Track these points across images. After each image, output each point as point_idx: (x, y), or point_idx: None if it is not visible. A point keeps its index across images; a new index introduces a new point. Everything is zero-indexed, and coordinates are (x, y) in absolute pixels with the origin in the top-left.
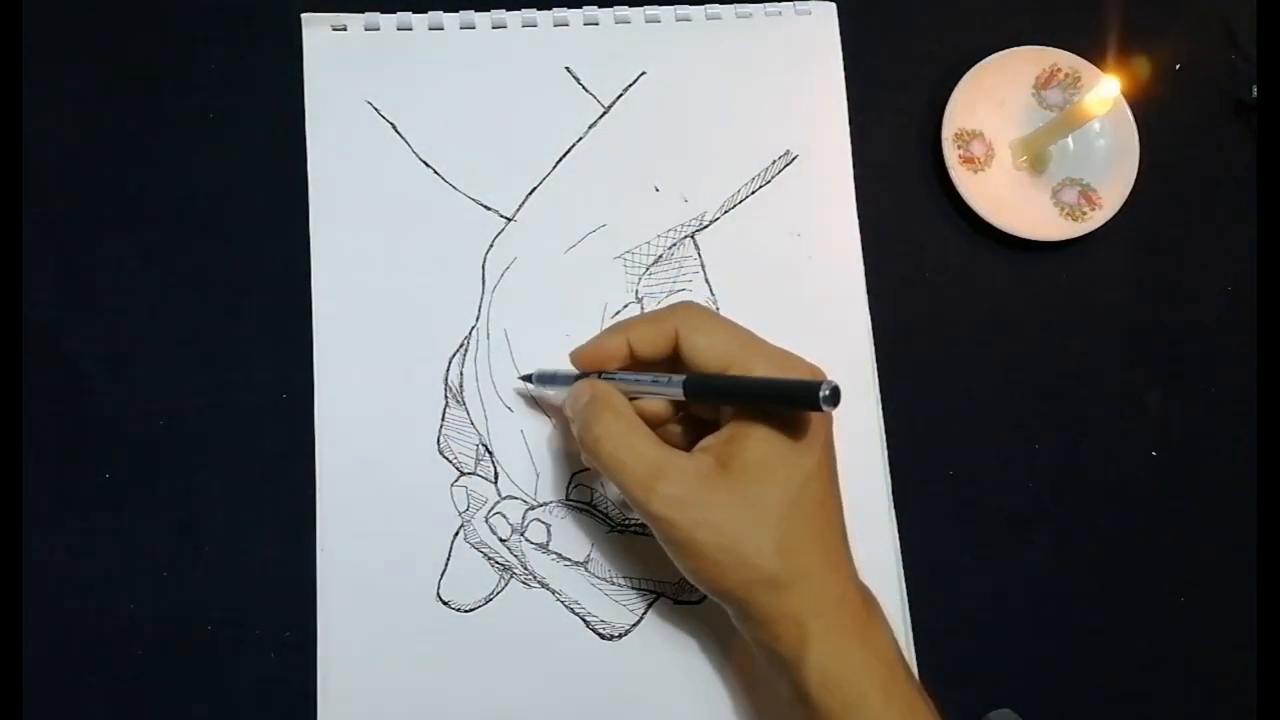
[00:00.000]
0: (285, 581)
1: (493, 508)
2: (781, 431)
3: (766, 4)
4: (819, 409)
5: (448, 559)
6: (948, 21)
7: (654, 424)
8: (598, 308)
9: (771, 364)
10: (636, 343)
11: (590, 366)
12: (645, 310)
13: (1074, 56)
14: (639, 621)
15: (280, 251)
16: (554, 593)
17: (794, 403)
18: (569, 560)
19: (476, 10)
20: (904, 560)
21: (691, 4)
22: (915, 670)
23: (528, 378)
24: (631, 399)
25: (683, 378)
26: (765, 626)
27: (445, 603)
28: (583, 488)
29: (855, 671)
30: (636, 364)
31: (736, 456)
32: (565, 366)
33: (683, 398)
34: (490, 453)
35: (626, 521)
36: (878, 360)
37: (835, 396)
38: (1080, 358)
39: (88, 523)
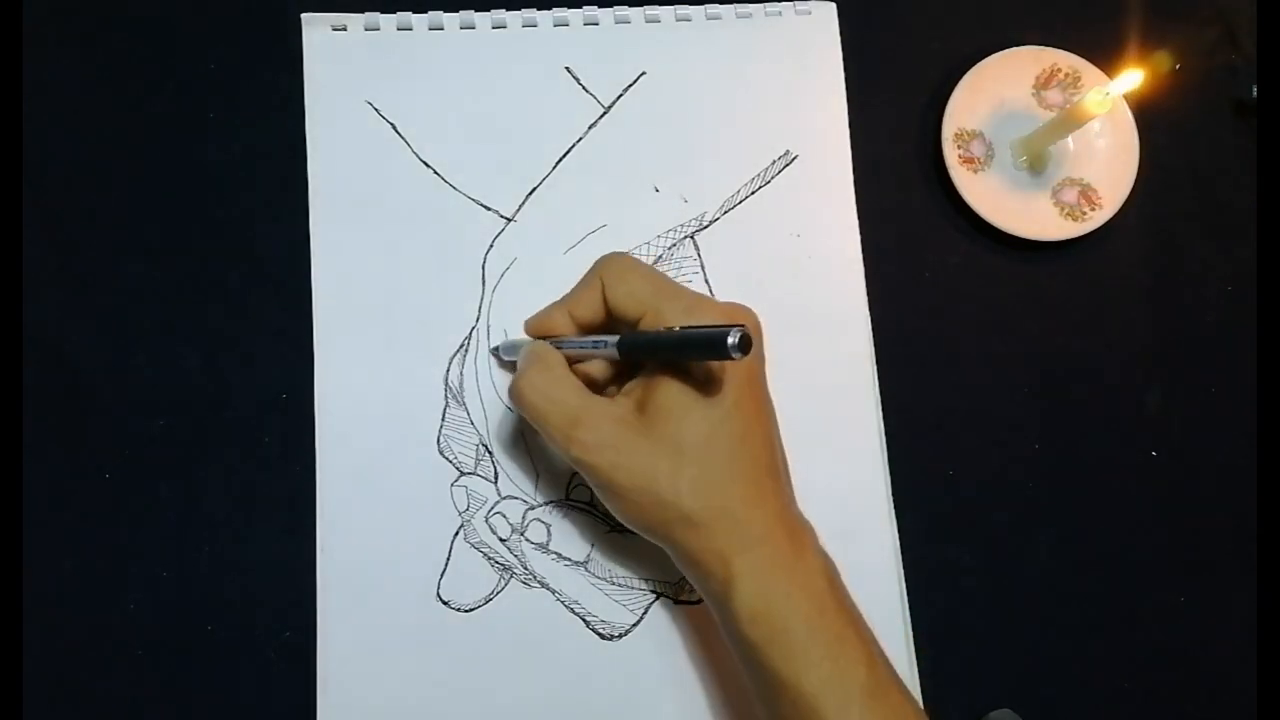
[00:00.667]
0: (285, 581)
1: (493, 508)
2: (695, 374)
3: (766, 4)
4: (729, 357)
5: (448, 559)
6: (948, 21)
7: (601, 386)
8: None
9: (682, 307)
10: (574, 307)
11: (539, 335)
12: None
13: (1074, 56)
14: (639, 621)
15: (280, 251)
16: (554, 593)
17: (708, 352)
18: (569, 560)
19: (476, 10)
20: (904, 560)
21: (691, 4)
22: (914, 664)
23: (495, 350)
24: (577, 363)
25: (616, 338)
26: (692, 565)
27: (445, 603)
28: (582, 488)
29: (780, 605)
30: (583, 329)
31: (652, 400)
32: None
33: (618, 357)
34: (490, 453)
35: None
36: (878, 360)
37: (745, 344)
38: (1080, 358)
39: (88, 523)
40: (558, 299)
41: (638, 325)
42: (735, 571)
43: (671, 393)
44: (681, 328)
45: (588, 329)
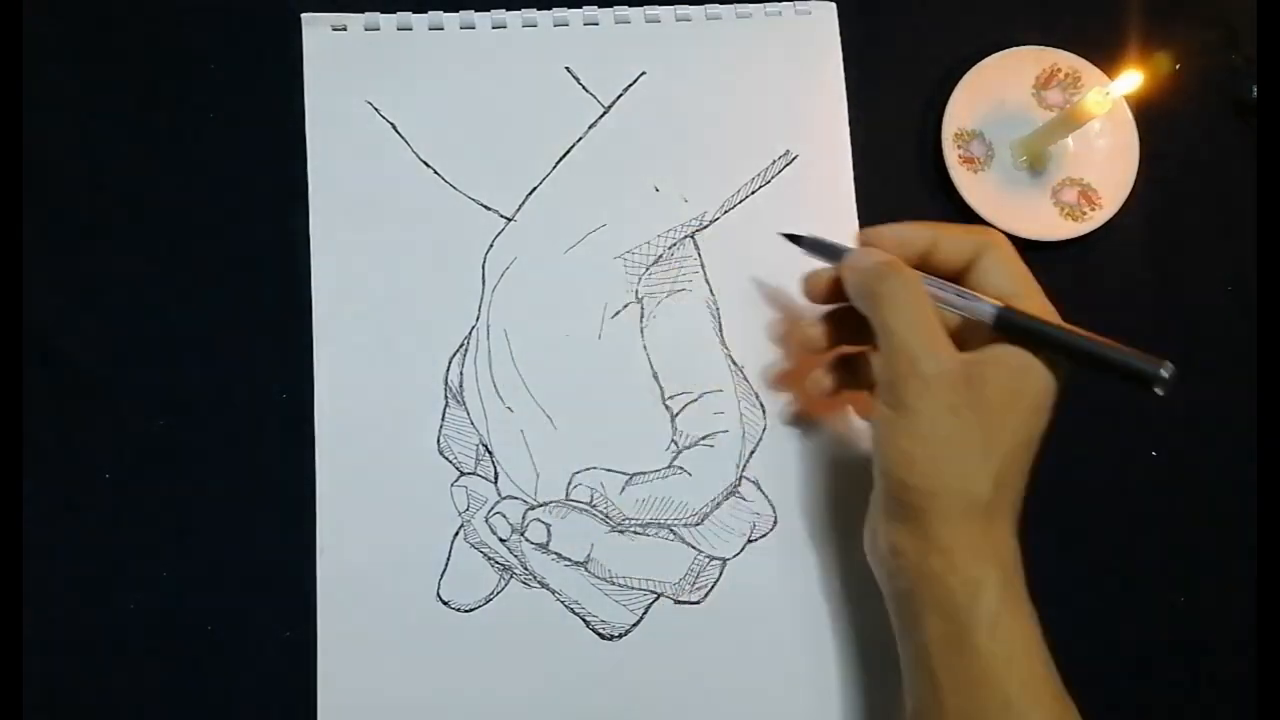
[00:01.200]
0: (285, 581)
1: (493, 508)
2: (1031, 374)
3: (766, 4)
4: (1151, 390)
5: (448, 559)
6: (948, 21)
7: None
8: (598, 308)
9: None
10: (944, 244)
11: (885, 244)
12: (645, 310)
13: (1074, 56)
14: (639, 621)
15: (280, 252)
16: (554, 593)
17: (1128, 375)
18: (569, 560)
19: (476, 10)
20: None
21: (691, 4)
22: None
23: (796, 238)
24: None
25: (997, 305)
26: (944, 553)
27: (445, 603)
28: (582, 488)
29: (1024, 630)
30: (927, 266)
31: (990, 380)
32: (570, 367)
33: (990, 323)
34: (490, 453)
35: (627, 521)
36: None
37: (1172, 381)
38: None
39: (88, 523)
40: (925, 224)
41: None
42: (988, 578)
43: (1013, 382)
44: (1092, 341)
45: (931, 269)
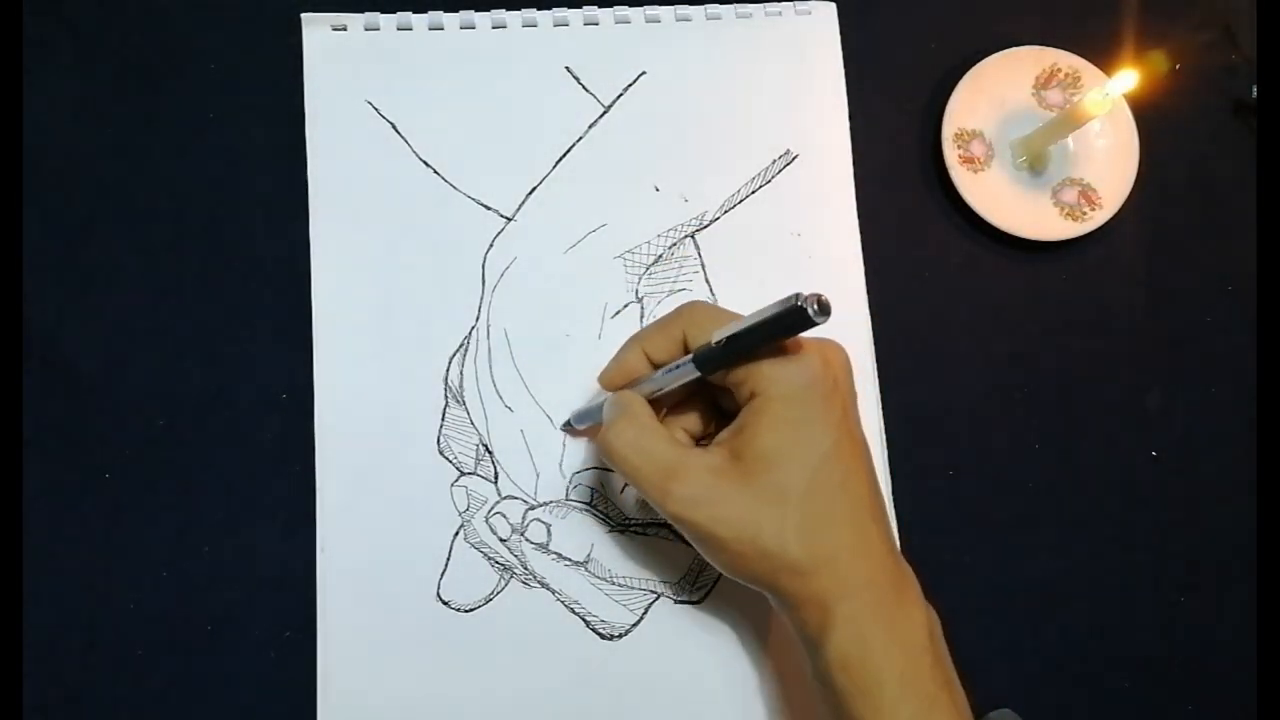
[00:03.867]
0: (285, 581)
1: (493, 508)
2: (791, 417)
3: (766, 4)
4: (814, 323)
5: (448, 559)
6: (948, 21)
7: (693, 438)
8: (598, 307)
9: (774, 351)
10: (651, 350)
11: (616, 384)
12: (646, 309)
13: (1074, 56)
14: (639, 621)
15: (280, 251)
16: (554, 593)
17: (788, 327)
18: (569, 560)
19: (476, 10)
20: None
21: (691, 4)
22: None
23: (567, 425)
24: (656, 399)
25: (692, 355)
26: (793, 609)
27: (445, 603)
28: (582, 488)
29: (875, 657)
30: (658, 368)
31: (749, 447)
32: (570, 367)
33: (697, 373)
34: (490, 453)
35: (627, 521)
36: (878, 360)
37: (825, 308)
38: (1080, 357)
39: (88, 523)
40: (628, 340)
41: (727, 373)
42: (834, 617)
43: (768, 439)
44: (751, 318)
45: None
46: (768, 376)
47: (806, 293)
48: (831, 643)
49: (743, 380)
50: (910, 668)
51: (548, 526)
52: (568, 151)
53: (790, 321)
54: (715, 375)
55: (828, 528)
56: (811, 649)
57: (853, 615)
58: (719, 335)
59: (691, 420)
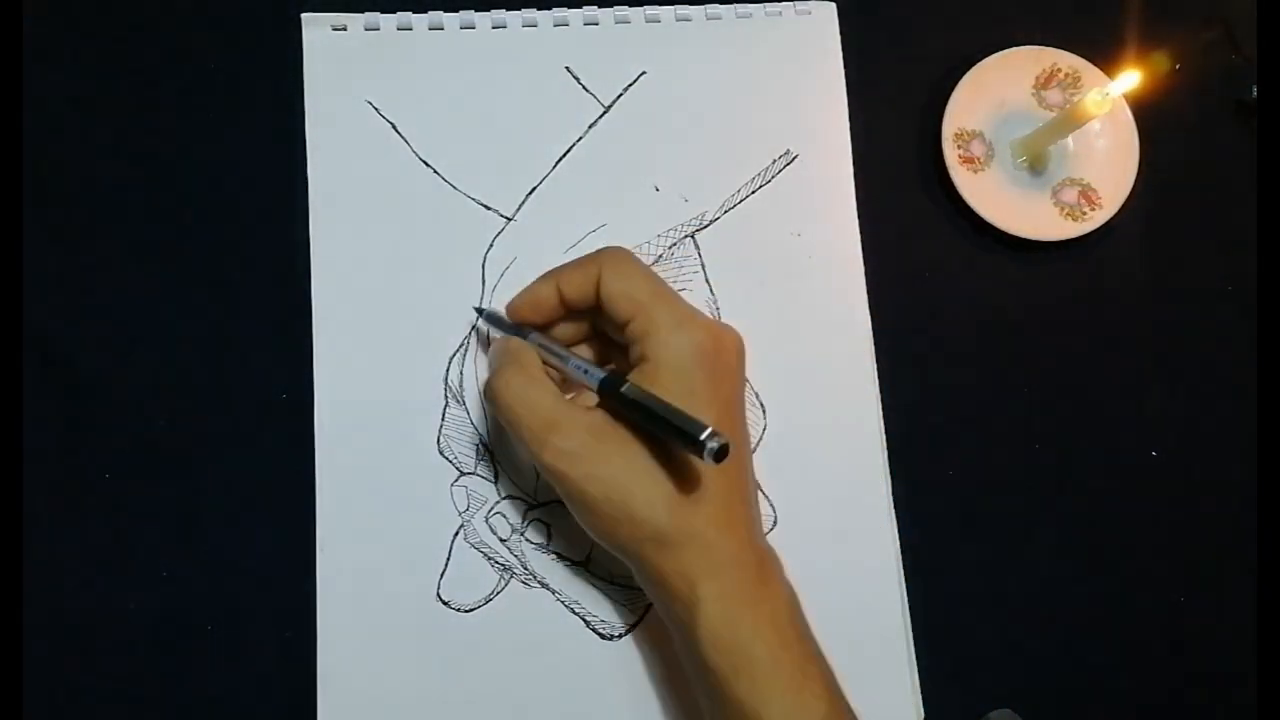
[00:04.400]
0: (285, 581)
1: (493, 508)
2: (676, 389)
3: (766, 4)
4: (702, 458)
5: (448, 559)
6: (948, 21)
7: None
8: None
9: (674, 319)
10: (565, 286)
11: (523, 313)
12: None
13: (1074, 56)
14: (639, 621)
15: (280, 251)
16: (554, 593)
17: (685, 445)
18: (569, 560)
19: (476, 10)
20: (904, 560)
21: (691, 4)
22: (914, 664)
23: (479, 310)
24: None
25: (603, 374)
26: (659, 584)
27: (445, 603)
28: None
29: (746, 636)
30: (567, 309)
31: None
32: None
33: (595, 390)
34: (490, 453)
35: None
36: (878, 360)
37: (721, 454)
38: (1080, 357)
39: (88, 523)
40: (545, 273)
41: (626, 326)
42: (701, 595)
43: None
44: (665, 406)
45: (572, 309)
46: (662, 344)
47: (717, 444)
48: (701, 623)
49: (638, 340)
50: (779, 643)
51: (548, 526)
52: (568, 151)
53: (687, 442)
54: (611, 329)
55: (697, 503)
56: (680, 628)
57: (719, 594)
58: (633, 392)
59: (582, 350)
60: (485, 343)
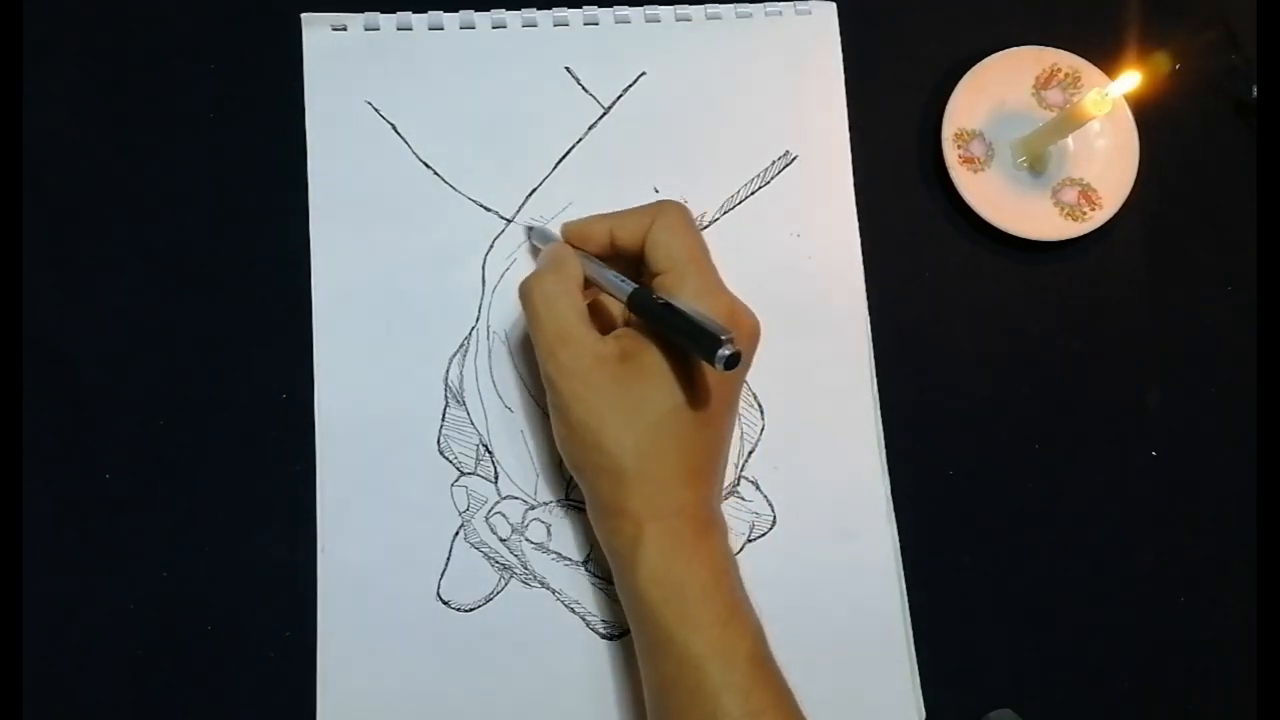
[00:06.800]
0: (285, 581)
1: (493, 508)
2: (682, 351)
3: (766, 4)
4: (711, 364)
5: (448, 559)
6: (948, 21)
7: (603, 325)
8: None
9: (700, 285)
10: (618, 230)
11: (573, 242)
12: None
13: (1074, 56)
14: None
15: (280, 251)
16: (554, 592)
17: (697, 348)
18: (569, 560)
19: (476, 10)
20: (904, 560)
21: (691, 4)
22: (914, 663)
23: (529, 229)
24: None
25: (633, 286)
26: (606, 516)
27: (445, 602)
28: None
29: (680, 571)
30: (617, 251)
31: (637, 355)
32: None
33: (624, 302)
34: (490, 453)
35: None
36: (877, 360)
37: (731, 362)
38: (1080, 358)
39: (87, 523)
40: (605, 214)
41: (656, 278)
42: (646, 532)
43: (655, 358)
44: (690, 312)
45: (620, 253)
46: (682, 307)
47: (729, 351)
48: (641, 558)
49: (663, 295)
50: (712, 584)
51: (548, 526)
52: (568, 152)
53: (706, 345)
54: (646, 276)
55: (664, 455)
56: (620, 561)
57: (661, 533)
58: (660, 298)
59: (609, 303)
60: (534, 251)
